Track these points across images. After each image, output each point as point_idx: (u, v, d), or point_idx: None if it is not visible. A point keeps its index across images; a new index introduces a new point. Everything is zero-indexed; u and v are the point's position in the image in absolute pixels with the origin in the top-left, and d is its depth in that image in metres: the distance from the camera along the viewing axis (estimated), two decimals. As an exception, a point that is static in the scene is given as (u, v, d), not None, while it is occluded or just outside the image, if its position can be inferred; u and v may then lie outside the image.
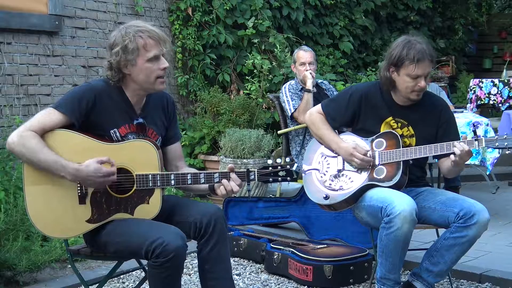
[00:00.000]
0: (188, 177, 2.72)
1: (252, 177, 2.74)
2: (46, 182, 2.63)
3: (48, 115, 2.63)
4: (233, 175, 2.71)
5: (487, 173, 5.71)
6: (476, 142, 2.98)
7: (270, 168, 2.75)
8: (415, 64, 3.07)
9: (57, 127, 2.62)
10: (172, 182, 2.70)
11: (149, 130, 2.80)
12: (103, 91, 2.71)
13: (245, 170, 2.73)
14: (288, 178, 2.75)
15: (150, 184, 2.67)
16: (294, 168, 2.75)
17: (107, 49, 2.71)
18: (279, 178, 2.75)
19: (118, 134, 2.71)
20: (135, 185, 2.68)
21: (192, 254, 4.12)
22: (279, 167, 2.75)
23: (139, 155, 2.68)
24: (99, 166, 2.59)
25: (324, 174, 3.27)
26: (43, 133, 2.60)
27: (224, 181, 2.71)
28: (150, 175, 2.67)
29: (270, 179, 2.75)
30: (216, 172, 2.73)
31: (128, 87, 2.74)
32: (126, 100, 2.75)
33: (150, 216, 2.69)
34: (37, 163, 2.58)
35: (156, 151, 2.69)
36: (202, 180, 2.73)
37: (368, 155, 3.16)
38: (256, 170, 2.74)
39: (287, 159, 2.82)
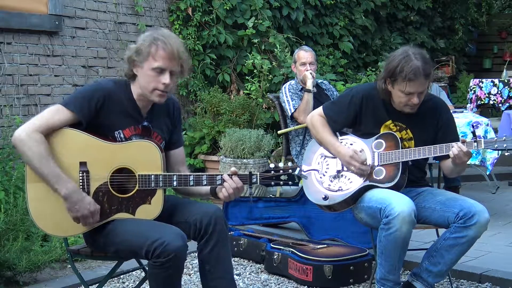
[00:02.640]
0: (191, 179, 2.72)
1: (254, 180, 2.74)
2: None
3: (57, 113, 2.63)
4: (235, 178, 2.72)
5: (487, 173, 5.71)
6: (475, 144, 2.97)
7: (272, 172, 2.75)
8: (406, 83, 3.03)
9: (64, 125, 2.63)
10: (175, 183, 2.70)
11: (153, 134, 2.81)
12: (112, 92, 2.72)
13: (248, 173, 2.74)
14: (290, 182, 2.76)
15: (153, 185, 2.68)
16: (296, 172, 2.76)
17: None
18: (281, 182, 2.76)
19: (122, 135, 2.72)
20: (137, 185, 2.68)
21: (192, 254, 4.11)
22: (281, 171, 2.75)
23: (142, 156, 2.69)
24: (94, 203, 2.61)
25: (324, 175, 3.28)
26: (51, 131, 2.61)
27: (226, 184, 2.72)
28: (152, 176, 2.67)
29: (272, 182, 2.76)
30: (218, 175, 2.74)
31: (135, 88, 2.76)
32: (133, 103, 2.76)
33: (152, 216, 2.69)
34: (36, 169, 2.57)
35: (159, 152, 2.70)
36: (205, 182, 2.73)
37: (367, 163, 3.15)
38: (258, 173, 2.75)
39: (289, 164, 2.82)
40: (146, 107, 2.80)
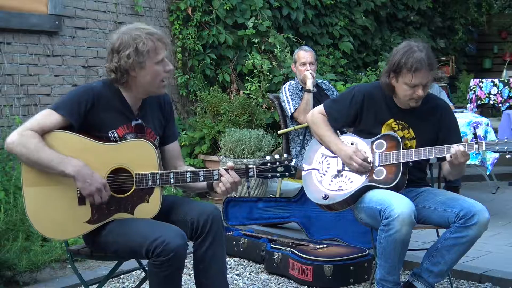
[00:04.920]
0: (188, 175, 2.72)
1: (251, 173, 2.75)
2: (45, 184, 2.62)
3: (47, 116, 2.63)
4: (232, 173, 2.72)
5: (487, 173, 5.71)
6: (476, 146, 2.97)
7: (269, 164, 2.75)
8: (411, 74, 3.04)
9: (55, 128, 2.62)
10: (172, 180, 2.71)
11: (147, 130, 2.81)
12: (101, 92, 2.71)
13: (244, 167, 2.74)
14: (287, 173, 2.76)
15: (150, 183, 2.68)
16: (292, 164, 2.76)
17: (110, 53, 2.68)
18: (278, 174, 2.76)
19: (116, 134, 2.71)
20: (134, 184, 2.68)
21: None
22: (277, 163, 2.75)
23: (137, 155, 2.68)
24: (103, 178, 2.61)
25: (324, 174, 3.28)
26: (42, 134, 2.60)
27: (223, 178, 2.72)
28: (149, 174, 2.67)
29: (269, 175, 2.76)
30: (215, 170, 2.74)
31: (128, 90, 2.74)
32: (123, 101, 2.75)
33: (151, 215, 2.69)
34: (37, 162, 2.56)
35: (154, 150, 2.70)
36: (202, 178, 2.74)
37: (369, 160, 3.16)
38: (254, 166, 2.75)
39: (285, 155, 2.82)
40: (137, 104, 2.80)
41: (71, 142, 2.63)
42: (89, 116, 2.67)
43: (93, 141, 2.66)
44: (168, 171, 2.74)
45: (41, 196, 2.63)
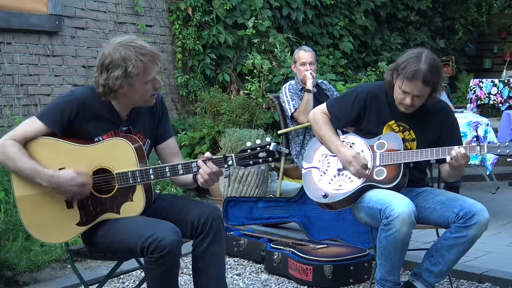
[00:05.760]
0: (167, 170, 2.69)
1: (230, 162, 2.66)
2: (34, 190, 2.66)
3: (31, 124, 2.67)
4: (209, 163, 2.66)
5: (487, 173, 5.71)
6: (478, 148, 2.97)
7: (249, 151, 2.65)
8: (403, 80, 3.04)
9: (38, 135, 2.65)
10: (152, 176, 2.68)
11: (135, 135, 2.79)
12: (87, 100, 2.70)
13: (222, 155, 2.67)
14: (270, 158, 2.64)
15: (131, 181, 2.67)
16: (271, 148, 2.61)
17: (100, 66, 2.65)
18: (260, 160, 2.64)
19: (102, 140, 2.71)
20: (116, 183, 2.68)
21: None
22: (258, 149, 2.64)
23: (116, 154, 2.67)
24: (75, 175, 2.61)
25: (324, 173, 3.28)
26: (26, 141, 2.63)
27: (201, 170, 2.66)
28: (129, 172, 2.66)
29: (250, 162, 2.64)
30: (193, 162, 2.69)
31: (117, 101, 2.73)
32: (111, 109, 2.74)
33: (136, 212, 2.69)
34: (16, 171, 2.62)
35: (132, 148, 2.67)
36: (181, 171, 2.69)
37: (368, 166, 3.15)
38: (233, 155, 2.66)
39: (268, 139, 2.72)
40: (126, 111, 2.79)
41: (53, 146, 2.66)
42: (74, 124, 2.68)
43: (72, 144, 2.66)
44: (148, 167, 2.70)
45: (32, 203, 2.67)
